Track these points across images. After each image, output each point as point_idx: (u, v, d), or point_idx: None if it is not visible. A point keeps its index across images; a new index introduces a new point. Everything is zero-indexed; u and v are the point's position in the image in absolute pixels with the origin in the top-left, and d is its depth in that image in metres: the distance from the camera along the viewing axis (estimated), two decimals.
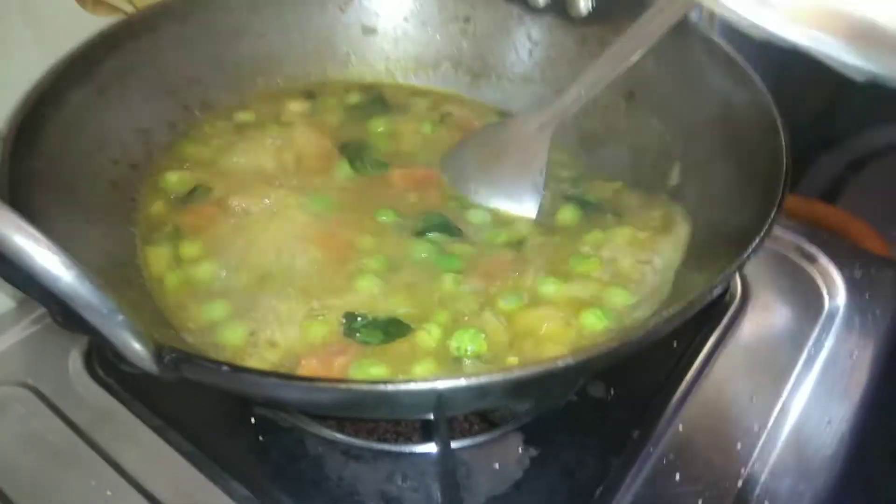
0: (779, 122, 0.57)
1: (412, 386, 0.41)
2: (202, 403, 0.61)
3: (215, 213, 0.63)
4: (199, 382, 0.41)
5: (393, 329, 0.55)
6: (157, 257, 0.61)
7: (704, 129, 0.66)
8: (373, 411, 0.50)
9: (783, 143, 0.55)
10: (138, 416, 0.60)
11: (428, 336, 0.54)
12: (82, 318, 0.35)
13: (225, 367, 0.38)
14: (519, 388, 0.44)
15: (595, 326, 0.55)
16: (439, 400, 0.41)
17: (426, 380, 0.41)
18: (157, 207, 0.64)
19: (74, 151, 0.59)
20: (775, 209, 0.50)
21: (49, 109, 0.58)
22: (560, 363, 0.40)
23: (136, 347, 0.36)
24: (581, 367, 0.43)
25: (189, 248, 0.61)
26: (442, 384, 0.40)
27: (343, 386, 0.40)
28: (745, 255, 0.47)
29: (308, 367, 0.52)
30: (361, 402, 0.42)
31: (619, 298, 0.57)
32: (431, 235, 0.63)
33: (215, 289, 0.58)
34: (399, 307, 0.57)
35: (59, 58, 0.60)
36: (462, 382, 0.40)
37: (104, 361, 0.64)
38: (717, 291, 0.46)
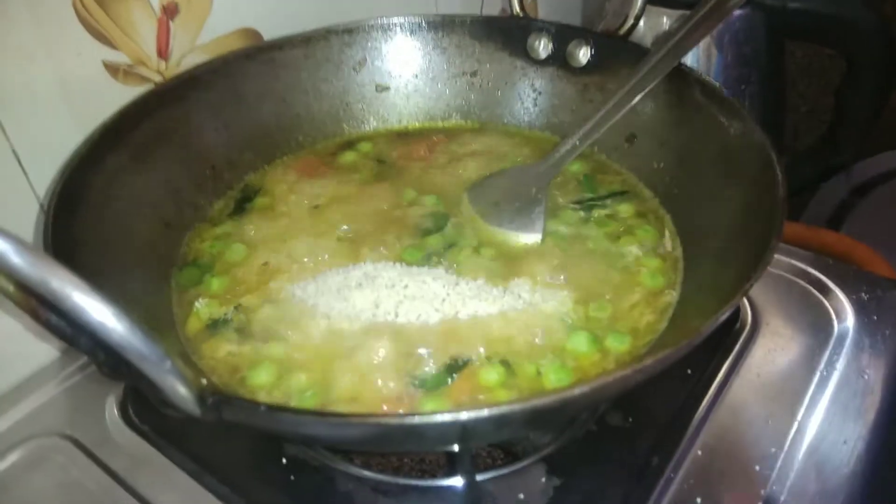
0: (773, 156, 0.60)
1: (438, 418, 0.43)
2: (235, 447, 0.64)
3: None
4: (238, 423, 0.43)
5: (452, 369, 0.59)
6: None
7: (704, 165, 0.70)
8: (401, 444, 0.52)
9: (778, 176, 0.58)
10: (174, 461, 0.62)
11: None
12: (130, 366, 0.38)
13: (263, 407, 0.41)
14: (537, 416, 0.46)
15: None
16: (464, 430, 0.43)
17: (451, 411, 0.43)
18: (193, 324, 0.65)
19: (111, 213, 0.63)
20: (774, 237, 0.53)
21: (87, 175, 0.62)
22: (576, 391, 0.43)
23: (181, 392, 0.39)
24: (595, 396, 0.45)
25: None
26: (466, 415, 0.42)
27: (373, 420, 0.43)
28: (749, 285, 0.49)
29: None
30: (390, 435, 0.45)
31: None
32: None
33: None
34: None
35: (94, 127, 0.64)
36: (484, 413, 0.42)
37: (139, 409, 0.67)
38: (722, 318, 0.48)
